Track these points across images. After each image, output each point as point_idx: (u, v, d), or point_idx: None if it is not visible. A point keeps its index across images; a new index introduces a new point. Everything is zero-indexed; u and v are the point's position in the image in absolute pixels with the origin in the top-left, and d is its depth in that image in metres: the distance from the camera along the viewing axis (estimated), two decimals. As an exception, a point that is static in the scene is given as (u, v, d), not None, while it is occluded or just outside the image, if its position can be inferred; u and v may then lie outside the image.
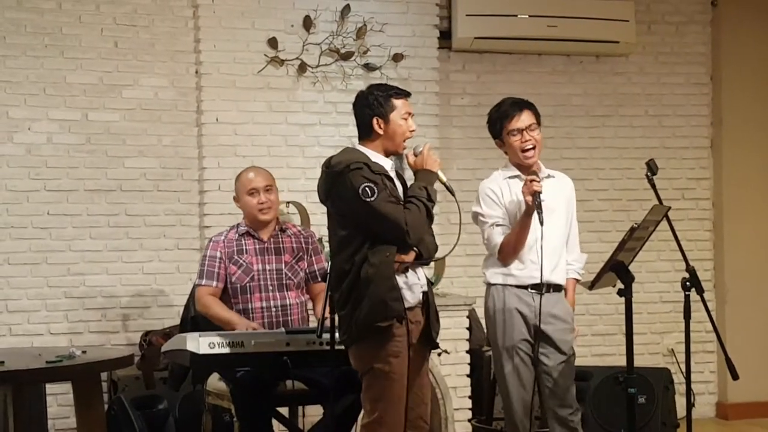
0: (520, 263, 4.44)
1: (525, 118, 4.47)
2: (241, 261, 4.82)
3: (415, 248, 4.04)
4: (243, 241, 4.86)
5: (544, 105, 4.64)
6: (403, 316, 3.94)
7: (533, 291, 4.42)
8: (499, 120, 4.51)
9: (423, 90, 6.34)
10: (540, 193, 4.29)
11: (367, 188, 3.91)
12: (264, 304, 4.78)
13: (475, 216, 4.54)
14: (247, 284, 4.79)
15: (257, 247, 4.85)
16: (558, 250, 4.48)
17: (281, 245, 4.88)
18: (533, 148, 4.47)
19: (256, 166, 5.12)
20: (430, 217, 4.10)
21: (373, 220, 3.93)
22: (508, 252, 4.42)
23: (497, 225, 4.45)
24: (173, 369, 5.05)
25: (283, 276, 4.83)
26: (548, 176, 4.54)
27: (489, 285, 4.53)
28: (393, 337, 3.94)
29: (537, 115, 4.52)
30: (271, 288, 4.81)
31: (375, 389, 3.99)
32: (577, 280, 4.62)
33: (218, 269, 4.81)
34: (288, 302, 4.81)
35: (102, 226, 5.98)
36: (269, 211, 4.87)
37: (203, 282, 4.82)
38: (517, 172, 4.51)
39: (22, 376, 4.29)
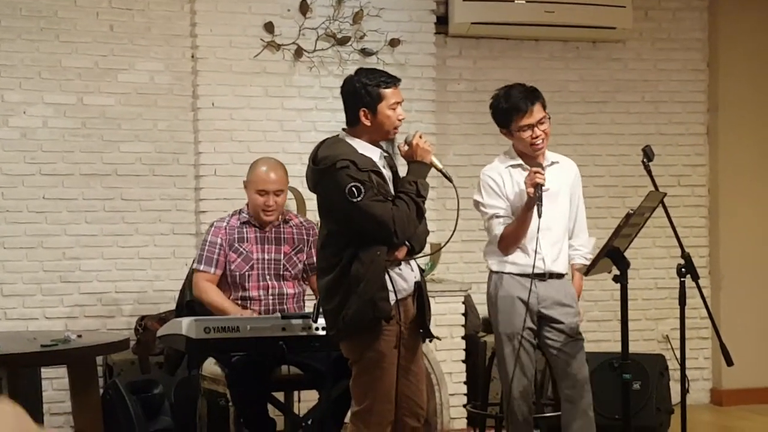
0: (522, 252, 4.42)
1: (536, 113, 4.40)
2: (241, 249, 4.79)
3: (406, 243, 3.96)
4: (244, 229, 4.82)
5: (540, 91, 4.62)
6: (390, 316, 3.87)
7: (535, 278, 4.41)
8: (508, 113, 4.41)
9: (419, 75, 6.33)
10: (542, 185, 4.28)
11: (353, 188, 3.80)
12: (262, 293, 4.77)
13: (476, 204, 4.51)
14: (246, 272, 4.77)
15: (258, 235, 4.82)
16: (560, 239, 4.47)
17: (282, 235, 4.85)
18: (542, 140, 4.43)
19: (274, 164, 4.91)
20: (420, 214, 3.95)
21: (360, 220, 3.83)
22: (508, 243, 4.40)
23: (497, 216, 4.42)
24: (169, 353, 5.06)
25: (281, 266, 4.81)
26: (552, 163, 4.51)
27: (492, 272, 4.51)
28: (383, 329, 3.89)
29: (545, 105, 4.46)
30: (268, 277, 4.79)
31: (365, 378, 3.94)
32: (585, 266, 4.60)
33: (218, 256, 4.78)
34: (285, 291, 4.80)
35: (97, 211, 5.97)
36: (273, 213, 4.79)
37: (202, 267, 4.80)
38: (519, 161, 4.47)
39: (17, 359, 4.29)
